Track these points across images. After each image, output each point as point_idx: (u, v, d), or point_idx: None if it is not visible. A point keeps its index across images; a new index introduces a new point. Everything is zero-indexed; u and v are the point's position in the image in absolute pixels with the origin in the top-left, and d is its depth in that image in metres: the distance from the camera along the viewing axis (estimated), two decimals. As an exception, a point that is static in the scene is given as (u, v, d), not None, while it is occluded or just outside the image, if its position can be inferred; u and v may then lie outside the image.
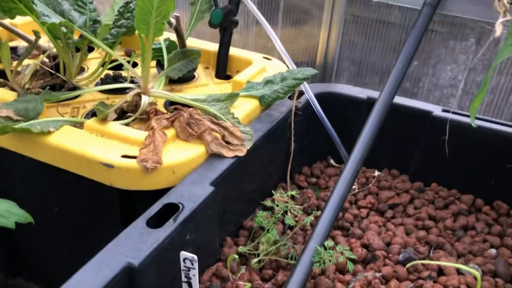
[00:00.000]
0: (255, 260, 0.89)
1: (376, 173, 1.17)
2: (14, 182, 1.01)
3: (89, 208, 0.93)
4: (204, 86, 1.17)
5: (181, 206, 0.76)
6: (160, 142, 0.84)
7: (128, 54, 1.31)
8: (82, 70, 1.21)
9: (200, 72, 1.24)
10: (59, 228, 1.01)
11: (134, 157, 0.82)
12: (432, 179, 1.13)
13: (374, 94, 1.16)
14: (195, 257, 0.67)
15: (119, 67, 1.18)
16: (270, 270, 0.88)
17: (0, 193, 1.07)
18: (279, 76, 1.07)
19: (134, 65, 1.25)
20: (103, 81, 1.13)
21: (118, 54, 1.05)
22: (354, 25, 1.32)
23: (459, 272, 0.90)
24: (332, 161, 1.22)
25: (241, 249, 0.91)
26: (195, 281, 0.70)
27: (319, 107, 1.13)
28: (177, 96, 0.99)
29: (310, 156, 1.21)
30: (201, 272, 0.85)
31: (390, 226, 1.01)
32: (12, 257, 1.17)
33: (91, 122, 0.89)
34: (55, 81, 1.11)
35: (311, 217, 0.95)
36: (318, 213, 1.03)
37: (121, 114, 1.00)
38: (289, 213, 1.00)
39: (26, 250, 1.12)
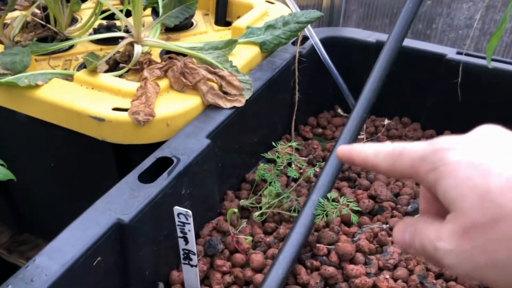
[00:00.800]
0: (257, 213, 0.86)
1: (386, 121, 1.11)
2: (7, 138, 0.98)
3: (85, 164, 0.91)
4: (203, 34, 1.11)
5: (175, 160, 0.72)
6: (152, 93, 0.79)
7: (122, 1, 1.24)
8: (75, 21, 1.16)
9: (198, 19, 1.17)
10: (58, 185, 0.99)
11: (126, 110, 0.78)
12: (446, 127, 1.07)
13: (384, 37, 1.08)
14: (189, 212, 0.64)
15: (114, 16, 1.12)
16: (272, 223, 0.85)
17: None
18: (281, 20, 1.00)
19: (129, 14, 1.18)
20: (96, 32, 1.08)
21: (110, 3, 0.98)
22: (363, -37, 1.22)
23: (471, 222, 0.85)
24: (339, 111, 1.16)
25: (242, 202, 0.88)
26: (191, 236, 0.67)
27: (325, 53, 1.06)
28: (172, 44, 0.94)
29: (316, 106, 1.16)
30: (201, 227, 0.82)
31: (400, 176, 0.97)
32: (18, 215, 1.17)
33: (80, 74, 0.84)
34: (47, 33, 1.06)
35: (316, 169, 0.91)
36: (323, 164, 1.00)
37: (115, 66, 0.95)
38: (293, 165, 0.96)
39: (29, 207, 1.11)
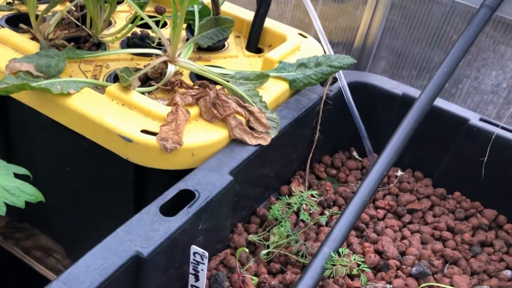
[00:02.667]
0: (264, 251, 0.87)
1: (399, 172, 1.12)
2: (30, 135, 0.98)
3: (102, 175, 0.91)
4: (233, 58, 1.11)
5: (197, 194, 0.73)
6: (182, 121, 0.80)
7: (158, 12, 1.25)
8: (109, 24, 1.16)
9: (230, 41, 1.18)
10: (69, 186, 0.99)
11: (155, 134, 0.78)
12: (456, 187, 1.09)
13: (410, 90, 1.10)
14: (206, 253, 0.65)
15: (148, 25, 1.12)
16: (278, 264, 0.86)
17: (16, 147, 1.05)
18: (313, 60, 1.01)
19: (164, 23, 1.19)
20: (129, 40, 1.08)
21: (145, 15, 0.98)
22: (401, 11, 1.23)
23: (471, 293, 0.87)
24: (355, 153, 1.17)
25: (251, 237, 0.89)
26: (202, 276, 0.68)
27: (350, 97, 1.07)
28: (205, 68, 0.94)
29: (333, 145, 1.17)
30: (209, 259, 0.82)
31: (406, 232, 0.98)
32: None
33: (113, 89, 0.85)
34: (80, 34, 1.06)
35: (326, 217, 0.92)
36: (335, 209, 1.01)
37: (145, 80, 0.95)
38: (303, 205, 0.97)
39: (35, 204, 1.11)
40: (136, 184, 0.87)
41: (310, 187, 1.06)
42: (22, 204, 0.64)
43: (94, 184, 0.93)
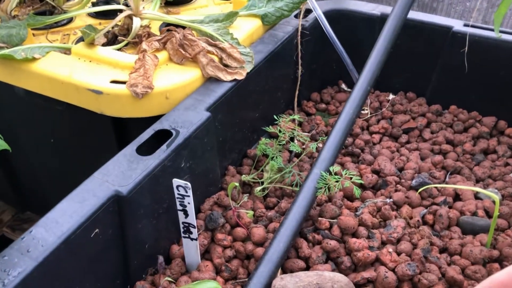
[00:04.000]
0: (259, 188, 0.85)
1: (391, 96, 1.09)
2: (8, 114, 0.97)
3: (85, 139, 0.90)
4: (203, 8, 1.09)
5: (174, 133, 0.71)
6: (151, 66, 0.78)
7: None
8: (73, -5, 1.13)
9: (199, -8, 1.15)
10: (58, 160, 0.98)
11: (124, 83, 0.76)
12: (451, 101, 1.05)
13: (387, 9, 1.06)
14: (189, 184, 0.63)
15: (113, -10, 1.09)
16: (274, 198, 0.84)
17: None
18: (283, -8, 0.98)
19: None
20: (95, 5, 1.05)
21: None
22: None
23: (476, 197, 0.84)
24: (343, 86, 1.14)
25: (244, 177, 0.87)
26: (190, 209, 0.66)
27: (328, 26, 1.03)
28: (171, 17, 0.92)
29: (320, 82, 1.14)
30: (202, 201, 0.81)
31: (404, 151, 0.95)
32: (20, 193, 1.16)
33: (78, 47, 0.83)
34: (45, 8, 1.04)
35: (318, 143, 0.90)
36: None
37: (114, 39, 0.93)
38: (295, 140, 0.95)
39: (31, 185, 1.11)
40: (119, 140, 0.85)
41: (300, 125, 1.03)
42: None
43: (80, 150, 0.92)
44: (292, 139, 0.97)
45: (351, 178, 0.73)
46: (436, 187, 0.84)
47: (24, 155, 1.03)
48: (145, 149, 0.69)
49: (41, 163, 1.02)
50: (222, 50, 0.84)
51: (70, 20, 1.01)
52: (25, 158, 1.03)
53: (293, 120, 1.00)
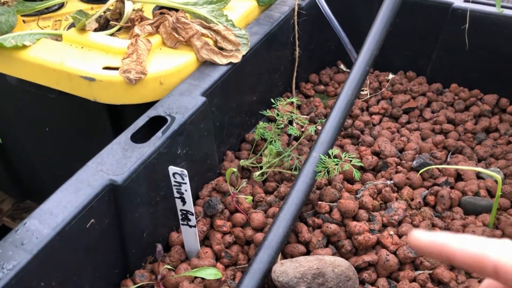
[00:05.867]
0: (257, 173, 0.84)
1: (390, 76, 1.07)
2: (2, 104, 0.95)
3: (80, 127, 0.88)
4: (198, -10, 1.06)
5: (169, 119, 0.69)
6: (144, 50, 0.76)
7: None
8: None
9: (193, -26, 1.12)
10: (55, 149, 0.97)
11: (117, 69, 0.75)
12: (452, 79, 1.03)
13: (387, -13, 1.03)
14: (185, 171, 0.61)
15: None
16: (273, 183, 0.83)
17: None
18: (278, -29, 0.95)
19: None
20: (86, -10, 1.03)
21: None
22: None
23: (478, 176, 0.83)
24: (342, 66, 1.12)
25: (242, 162, 0.86)
26: (188, 196, 0.65)
27: (325, 5, 1.01)
28: (165, 0, 0.89)
29: (318, 63, 1.12)
30: (200, 188, 0.80)
31: (405, 131, 0.94)
32: (19, 182, 1.15)
33: (69, 33, 0.81)
34: (35, -6, 1.02)
35: (317, 126, 0.89)
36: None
37: (106, 24, 0.91)
38: (294, 124, 0.93)
39: (29, 174, 1.10)
40: (115, 128, 0.84)
41: (299, 107, 1.02)
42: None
43: (76, 138, 0.91)
44: (290, 122, 0.95)
45: (350, 161, 0.72)
46: (437, 168, 0.83)
47: (20, 145, 1.02)
48: (140, 137, 0.67)
49: (38, 152, 1.01)
50: (217, 32, 0.82)
51: (61, 6, 0.99)
52: (22, 148, 1.02)
53: (292, 103, 0.98)
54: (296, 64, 1.02)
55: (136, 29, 0.80)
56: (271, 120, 0.97)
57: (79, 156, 0.95)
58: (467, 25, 0.88)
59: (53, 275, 0.54)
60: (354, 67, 0.83)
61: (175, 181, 0.64)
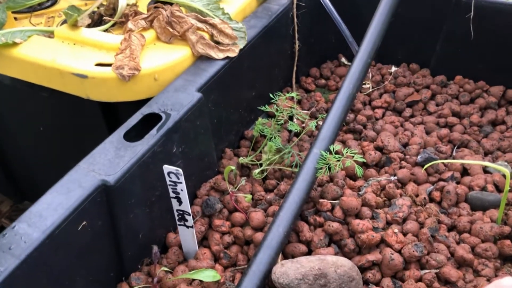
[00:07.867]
0: (257, 170, 0.81)
1: (393, 68, 1.04)
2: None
3: (74, 126, 0.86)
4: (194, -17, 1.03)
5: (164, 116, 0.67)
6: (137, 46, 0.74)
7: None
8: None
9: (189, -32, 1.09)
10: (50, 149, 0.95)
11: (110, 65, 0.72)
12: (457, 71, 1.00)
13: (388, -23, 1.00)
14: (180, 170, 0.59)
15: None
16: (273, 181, 0.80)
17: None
18: (276, -38, 0.92)
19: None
20: (80, -14, 1.01)
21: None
22: None
23: (485, 171, 0.80)
24: (343, 60, 1.09)
25: (241, 160, 0.84)
26: (184, 196, 0.63)
27: (325, -3, 0.98)
28: (159, -7, 0.87)
29: (319, 56, 1.09)
30: (198, 186, 0.78)
31: (408, 125, 0.91)
32: (16, 184, 1.14)
33: (61, 30, 0.79)
34: (28, -9, 1.00)
35: (318, 121, 0.86)
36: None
37: (100, 20, 0.89)
38: (294, 119, 0.91)
39: (26, 175, 1.08)
40: (110, 126, 0.81)
41: (299, 102, 0.99)
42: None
43: (71, 137, 0.88)
44: (291, 117, 0.93)
45: (352, 156, 0.69)
46: (442, 162, 0.80)
47: (16, 145, 1.00)
48: (134, 135, 0.65)
49: (33, 152, 0.99)
50: (213, 26, 0.80)
51: (54, 2, 0.96)
52: (18, 148, 1.00)
53: (292, 98, 0.96)
54: (296, 58, 0.99)
55: (130, 24, 0.77)
56: (271, 116, 0.95)
57: (75, 156, 0.93)
58: (471, 13, 0.85)
59: (44, 281, 0.52)
60: (355, 59, 0.80)
61: (170, 181, 0.62)
